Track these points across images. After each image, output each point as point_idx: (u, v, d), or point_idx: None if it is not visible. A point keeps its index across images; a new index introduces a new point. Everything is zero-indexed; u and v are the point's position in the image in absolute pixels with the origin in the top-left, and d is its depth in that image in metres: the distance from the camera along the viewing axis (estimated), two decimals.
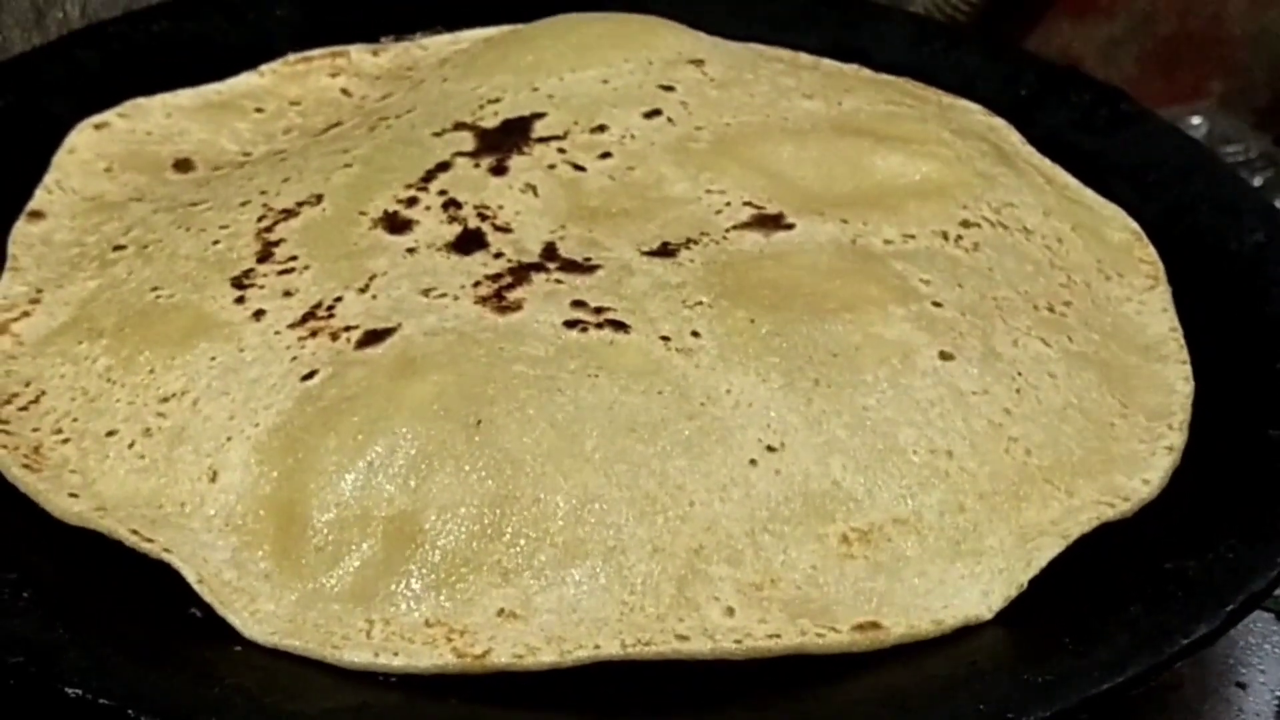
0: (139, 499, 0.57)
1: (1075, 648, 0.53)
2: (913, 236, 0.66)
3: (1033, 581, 0.56)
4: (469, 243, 0.64)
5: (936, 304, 0.62)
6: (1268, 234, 0.71)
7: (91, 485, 0.58)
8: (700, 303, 0.61)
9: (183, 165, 0.73)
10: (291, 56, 0.79)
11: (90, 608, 0.54)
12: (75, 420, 0.60)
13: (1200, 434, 0.62)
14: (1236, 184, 0.75)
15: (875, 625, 0.54)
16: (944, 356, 0.61)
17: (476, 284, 0.62)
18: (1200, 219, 0.72)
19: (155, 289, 0.63)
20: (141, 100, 0.76)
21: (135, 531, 0.56)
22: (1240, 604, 0.54)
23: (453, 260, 0.63)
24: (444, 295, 0.61)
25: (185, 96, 0.76)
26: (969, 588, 0.56)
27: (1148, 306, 0.68)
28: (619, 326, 0.60)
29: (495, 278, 0.62)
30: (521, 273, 0.62)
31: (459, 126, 0.70)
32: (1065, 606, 0.55)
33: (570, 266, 0.63)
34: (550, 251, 0.64)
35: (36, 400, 0.61)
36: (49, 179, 0.71)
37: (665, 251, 0.64)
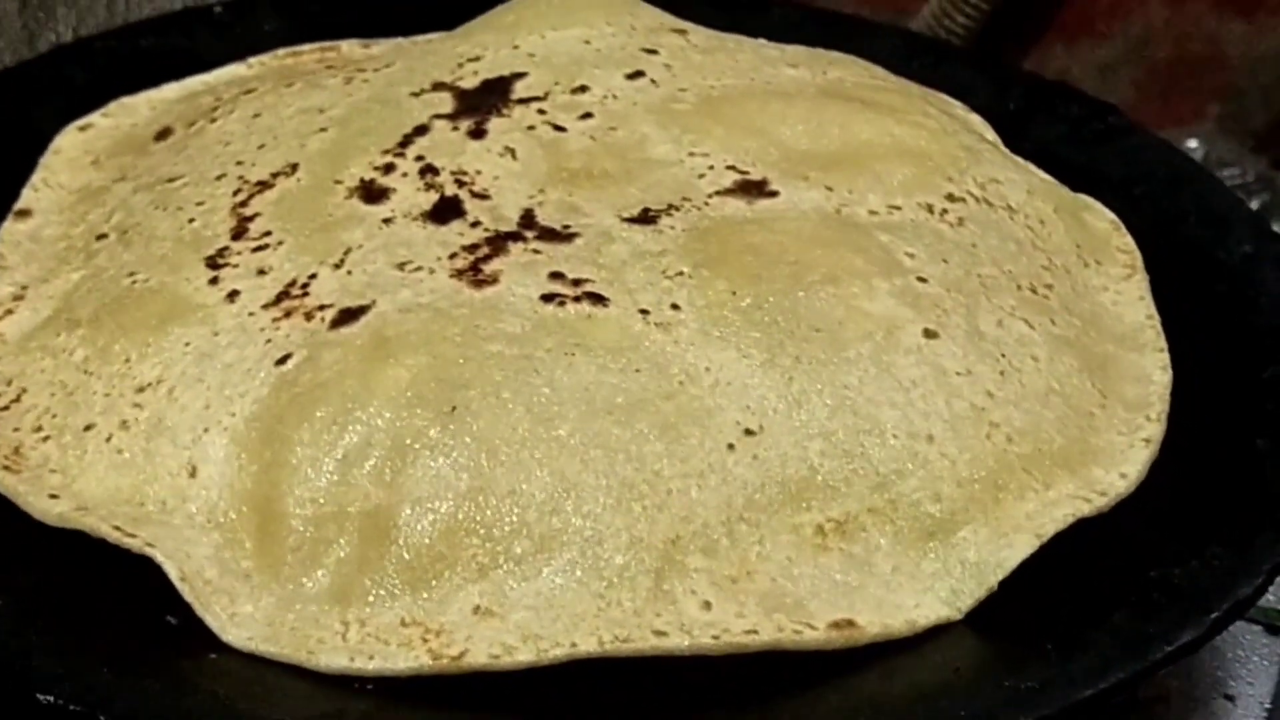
0: (120, 496, 0.57)
1: (1058, 654, 0.53)
2: (898, 208, 0.64)
3: (1015, 586, 0.56)
4: (446, 211, 0.63)
5: (921, 279, 0.61)
6: (1256, 245, 0.70)
7: (72, 484, 0.57)
8: (681, 273, 0.60)
9: (163, 134, 0.72)
10: (281, 51, 0.78)
11: (63, 612, 0.54)
12: (54, 416, 0.59)
13: (1187, 442, 0.61)
14: (1225, 196, 0.74)
15: (850, 624, 0.54)
16: (928, 334, 0.60)
17: (453, 255, 0.61)
18: (1189, 231, 0.72)
19: (132, 274, 0.63)
20: (126, 99, 0.76)
21: (118, 528, 0.55)
22: (1225, 611, 0.54)
23: (429, 230, 0.62)
24: (419, 269, 0.60)
25: (170, 89, 0.76)
26: (939, 585, 0.55)
27: (1124, 296, 0.67)
28: (597, 299, 0.59)
29: (472, 248, 0.61)
30: (499, 243, 0.61)
31: (438, 86, 0.69)
32: (1048, 613, 0.55)
33: (548, 235, 0.62)
34: (528, 219, 0.63)
35: (18, 399, 0.61)
36: (35, 178, 0.71)
37: (646, 218, 0.63)
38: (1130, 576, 0.56)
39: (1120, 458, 0.60)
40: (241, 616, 0.53)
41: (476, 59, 0.71)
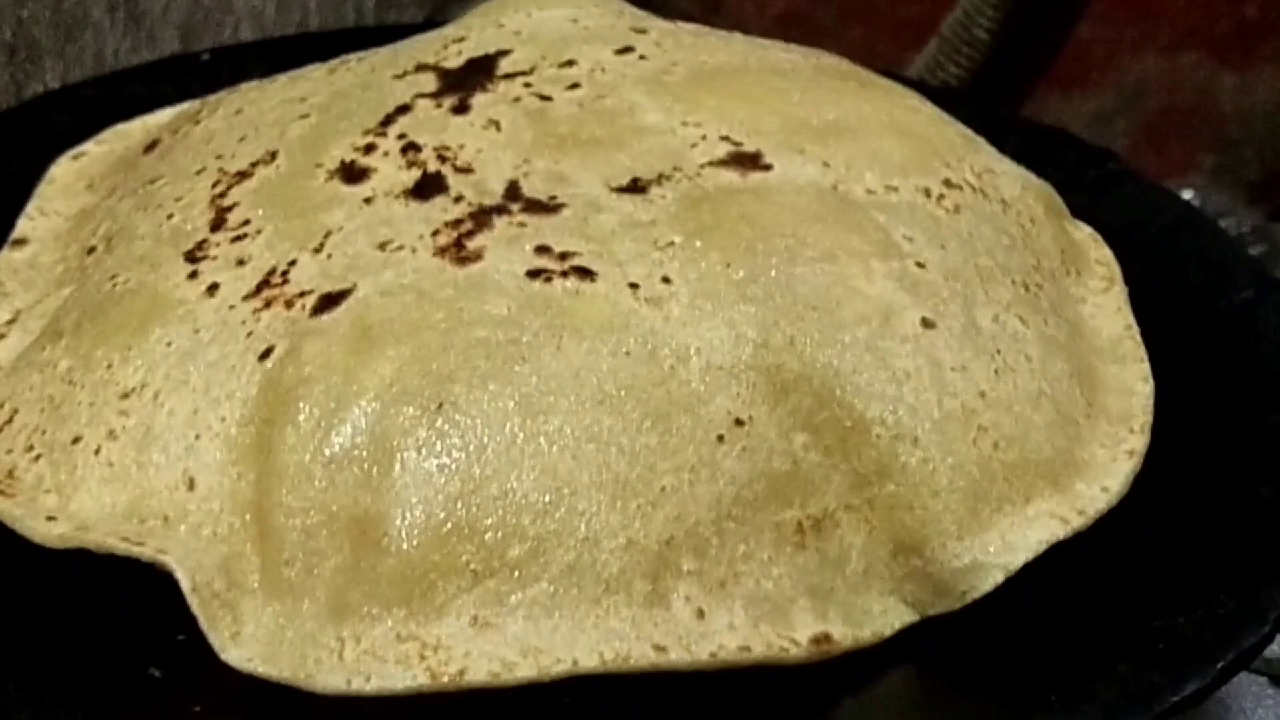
0: (117, 512, 0.55)
1: (1062, 705, 0.53)
2: (895, 189, 0.63)
3: (1017, 635, 0.55)
4: (428, 188, 0.61)
5: (919, 264, 0.60)
6: (1257, 292, 0.70)
7: (68, 505, 0.56)
8: (672, 243, 0.58)
9: (151, 146, 0.71)
10: None
11: (44, 665, 0.53)
12: (43, 433, 0.58)
13: (1192, 490, 0.61)
14: (1225, 242, 0.74)
15: (828, 638, 0.54)
16: (926, 324, 0.58)
17: (435, 232, 0.59)
18: (1190, 277, 0.71)
19: (113, 277, 0.61)
20: (120, 126, 0.75)
21: (125, 539, 0.54)
22: (1232, 660, 0.54)
23: (411, 208, 0.60)
24: (401, 248, 0.58)
25: (165, 114, 0.74)
26: (906, 591, 0.55)
27: (1102, 309, 0.66)
28: (585, 274, 0.57)
29: (455, 224, 0.59)
30: (482, 217, 0.60)
31: (421, 68, 0.68)
32: (1052, 662, 0.55)
33: (534, 207, 0.60)
34: (513, 191, 0.61)
35: (10, 420, 0.59)
36: (30, 208, 0.70)
37: (636, 188, 0.61)
38: (1135, 625, 0.55)
39: (1103, 471, 0.59)
40: (244, 636, 0.53)
41: (461, 39, 0.70)
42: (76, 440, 0.57)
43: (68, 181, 0.72)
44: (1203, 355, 0.67)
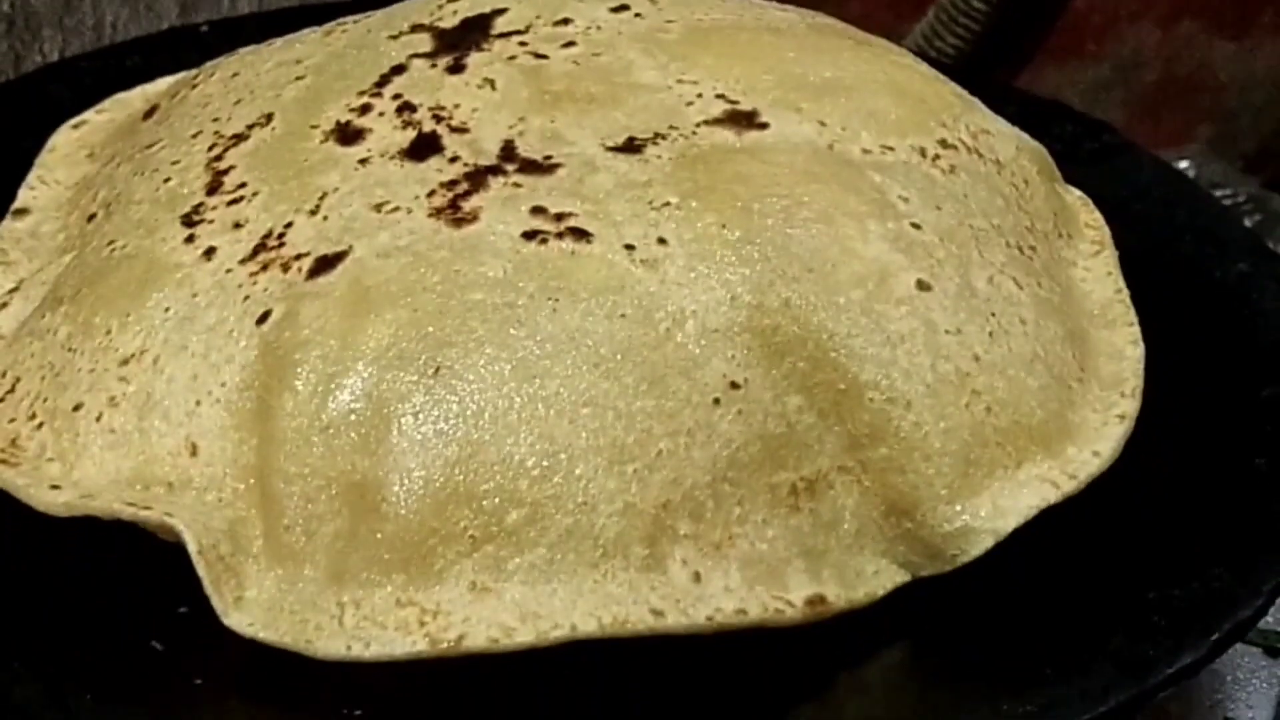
0: (121, 479, 0.55)
1: (1057, 677, 0.53)
2: (891, 149, 0.62)
3: (1011, 607, 0.55)
4: (423, 148, 0.61)
5: (915, 225, 0.59)
6: (1252, 264, 0.70)
7: (71, 472, 0.56)
8: (668, 203, 0.58)
9: (150, 112, 0.70)
10: None
11: (45, 639, 0.53)
12: (45, 400, 0.58)
13: (1187, 462, 0.61)
14: (1221, 214, 0.74)
15: (822, 599, 0.54)
16: (921, 286, 0.58)
17: (431, 193, 0.59)
18: (1185, 249, 0.71)
19: (111, 243, 0.61)
20: (120, 95, 0.74)
21: (131, 504, 0.54)
22: (1226, 632, 0.54)
23: (406, 169, 0.60)
24: (396, 209, 0.58)
25: (164, 82, 0.74)
26: (898, 552, 0.55)
27: (1092, 273, 0.66)
28: (580, 235, 0.57)
29: (450, 185, 0.59)
30: (478, 178, 0.59)
31: (416, 29, 0.67)
32: (1046, 635, 0.55)
33: (529, 167, 0.60)
34: (508, 151, 0.61)
35: (12, 389, 0.59)
36: (31, 177, 0.70)
37: (631, 147, 0.60)
38: (1130, 598, 0.55)
39: (1095, 435, 0.59)
40: (245, 601, 0.53)
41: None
42: (78, 407, 0.57)
43: (68, 150, 0.71)
44: (1198, 328, 0.67)
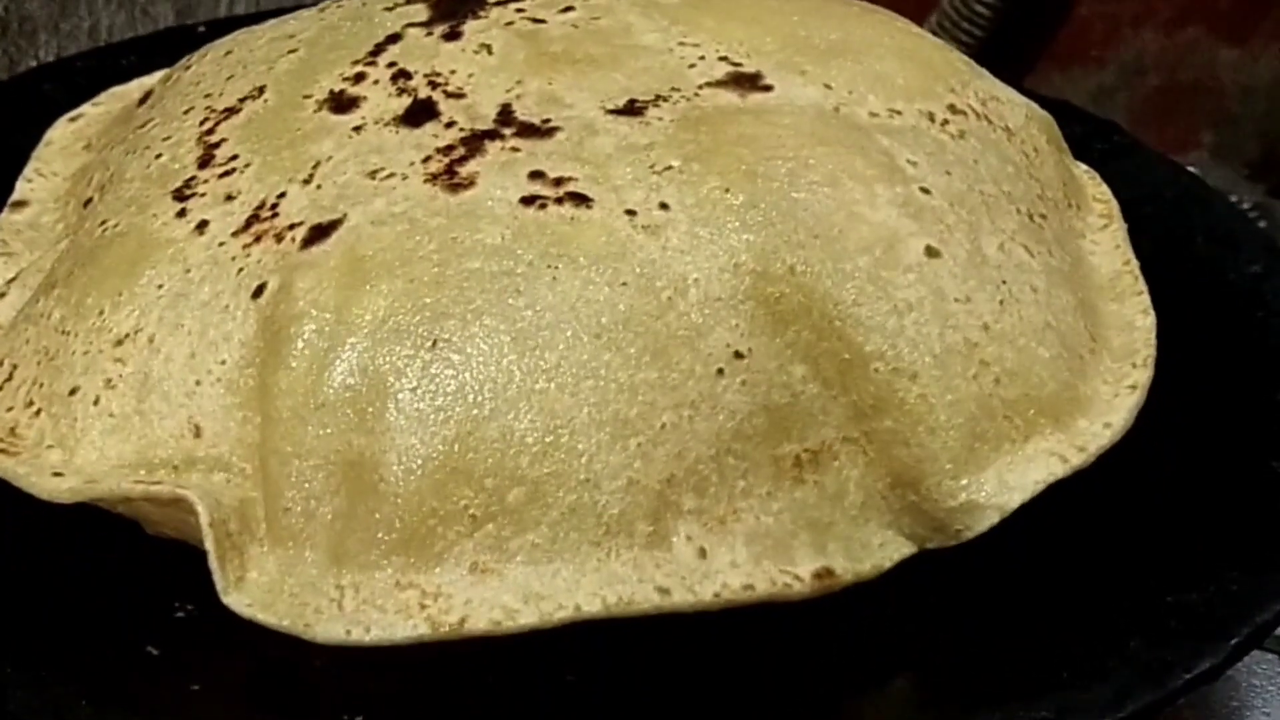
0: (124, 463, 0.54)
1: (1074, 683, 0.52)
2: (899, 113, 0.61)
3: (1030, 610, 0.55)
4: (419, 114, 0.59)
5: (924, 189, 0.58)
6: (1266, 265, 0.68)
7: (72, 458, 0.55)
8: (670, 167, 0.56)
9: (146, 97, 0.69)
10: None
11: (41, 643, 0.53)
12: (41, 386, 0.57)
13: (1201, 466, 0.60)
14: (1233, 215, 0.73)
15: (829, 573, 0.53)
16: (930, 252, 0.56)
17: (426, 159, 0.57)
18: (1197, 250, 0.70)
19: (103, 223, 0.60)
20: (117, 88, 0.73)
21: (139, 482, 0.53)
22: (1245, 637, 0.53)
23: (401, 135, 0.59)
24: (392, 175, 0.57)
25: (160, 73, 0.73)
26: (904, 524, 0.54)
27: (1101, 245, 0.64)
28: (580, 200, 0.55)
29: (446, 150, 0.58)
30: (475, 142, 0.58)
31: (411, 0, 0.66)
32: (1064, 639, 0.54)
33: (528, 131, 0.58)
34: (506, 115, 0.59)
35: (10, 377, 0.58)
36: (29, 170, 0.69)
37: (632, 109, 0.59)
38: (1148, 601, 0.55)
39: (1106, 407, 0.57)
40: (247, 581, 0.52)
41: None
42: (74, 391, 0.56)
43: (65, 143, 0.71)
44: (1211, 329, 0.66)
